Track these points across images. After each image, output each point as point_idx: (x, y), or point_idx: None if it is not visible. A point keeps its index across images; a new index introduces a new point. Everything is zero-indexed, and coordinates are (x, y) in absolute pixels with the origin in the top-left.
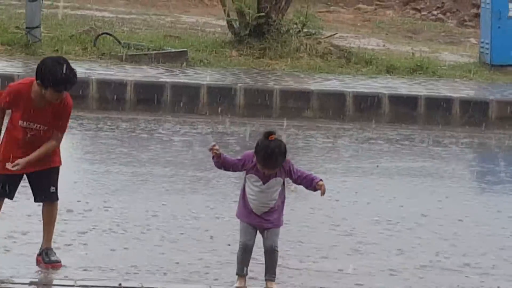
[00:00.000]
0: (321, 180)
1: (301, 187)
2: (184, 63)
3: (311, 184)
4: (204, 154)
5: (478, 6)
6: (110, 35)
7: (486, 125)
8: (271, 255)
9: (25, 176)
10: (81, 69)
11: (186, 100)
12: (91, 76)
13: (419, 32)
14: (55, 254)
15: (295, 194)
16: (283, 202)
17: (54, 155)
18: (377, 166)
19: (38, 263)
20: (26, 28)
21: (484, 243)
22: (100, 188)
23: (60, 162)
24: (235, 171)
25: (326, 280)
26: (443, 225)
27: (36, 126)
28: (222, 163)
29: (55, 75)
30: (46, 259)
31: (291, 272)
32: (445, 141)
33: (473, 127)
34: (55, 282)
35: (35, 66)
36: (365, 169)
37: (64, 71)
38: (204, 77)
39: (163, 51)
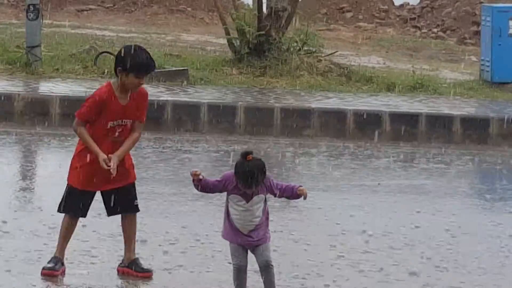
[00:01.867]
0: (300, 186)
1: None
2: (185, 82)
3: (292, 192)
4: (206, 172)
5: (478, 24)
6: (111, 53)
7: (487, 143)
8: (267, 271)
9: None
10: (81, 88)
11: (187, 118)
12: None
13: (420, 50)
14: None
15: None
16: (267, 218)
17: (130, 170)
18: (379, 184)
19: (123, 273)
20: (27, 47)
21: (484, 261)
22: (99, 206)
23: (135, 177)
24: (215, 192)
25: None
26: (445, 241)
27: (123, 122)
28: (202, 187)
29: (136, 59)
30: (138, 268)
31: None
32: (446, 158)
33: (474, 145)
34: None
35: (35, 85)
36: (367, 187)
37: (145, 56)
38: (205, 95)
39: (164, 70)
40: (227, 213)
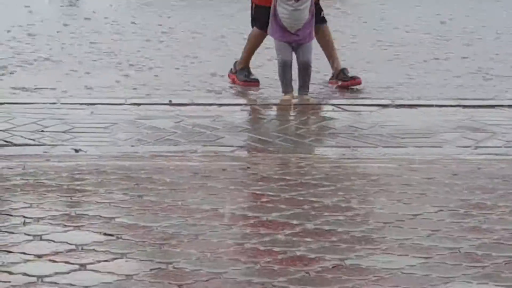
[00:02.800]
0: None
1: None
2: None
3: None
4: None
5: None
6: None
7: None
8: (305, 70)
9: None
10: None
11: None
12: None
13: None
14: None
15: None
16: (312, 17)
17: None
18: None
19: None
20: None
21: None
22: (148, 9)
23: None
24: None
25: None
26: (492, 38)
27: None
28: None
29: None
30: (346, 77)
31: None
32: None
33: None
34: (107, 101)
35: None
36: None
37: None
38: None
39: None
40: (275, 12)
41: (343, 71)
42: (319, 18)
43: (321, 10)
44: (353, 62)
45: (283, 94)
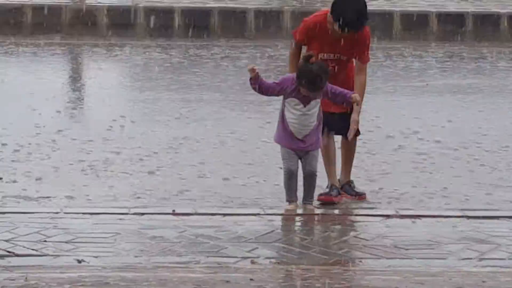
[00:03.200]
0: (354, 93)
1: None
2: None
3: (344, 98)
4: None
5: None
6: None
7: None
8: (310, 179)
9: None
10: None
11: (234, 25)
12: (138, 4)
13: None
14: (355, 187)
15: None
16: (320, 124)
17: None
18: (427, 84)
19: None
20: None
21: None
22: (150, 115)
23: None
24: (271, 95)
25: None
26: (498, 140)
27: (335, 56)
28: (259, 86)
29: (343, 15)
30: (352, 192)
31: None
32: (493, 57)
33: None
34: (110, 210)
35: None
36: (414, 87)
37: (353, 14)
38: (251, 1)
39: None
40: (283, 117)
41: (350, 183)
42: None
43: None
44: (357, 170)
45: (287, 203)
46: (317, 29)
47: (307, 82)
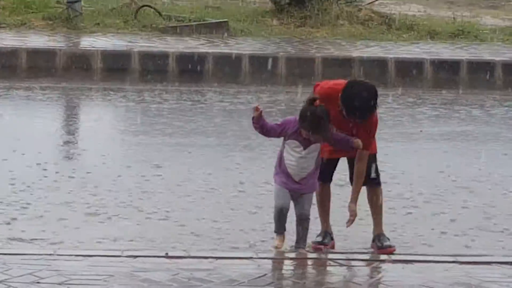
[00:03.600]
0: (356, 138)
1: None
2: (225, 34)
3: (347, 144)
4: (248, 123)
5: None
6: (151, 7)
7: None
8: (302, 223)
9: None
10: (123, 42)
11: (228, 70)
12: (133, 48)
13: None
14: (388, 239)
15: None
16: (317, 168)
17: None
18: (421, 131)
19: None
20: (67, 2)
21: None
22: (144, 160)
23: (375, 149)
24: (271, 135)
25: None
26: (491, 188)
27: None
28: (261, 126)
29: (351, 103)
30: (379, 244)
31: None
32: (488, 104)
33: None
34: (103, 253)
35: (76, 40)
36: (409, 134)
37: (361, 103)
38: (246, 47)
39: (204, 22)
40: (281, 158)
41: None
42: (368, 178)
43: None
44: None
45: (275, 234)
46: (328, 101)
47: (309, 124)
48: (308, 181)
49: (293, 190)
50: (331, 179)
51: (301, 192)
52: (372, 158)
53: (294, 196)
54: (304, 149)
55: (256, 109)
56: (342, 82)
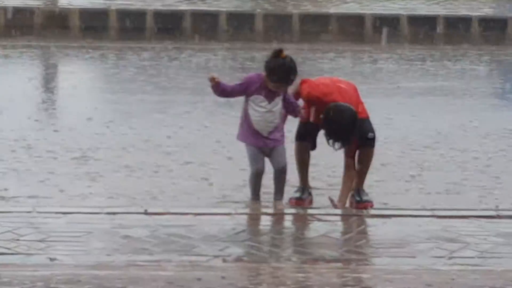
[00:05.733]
0: (303, 108)
1: None
2: None
3: (294, 109)
4: (225, 80)
5: None
6: None
7: (505, 43)
8: (280, 176)
9: None
10: (101, 0)
11: (206, 27)
12: (110, 6)
13: None
14: (366, 194)
15: None
16: (284, 121)
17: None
18: (398, 86)
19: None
20: None
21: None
22: (122, 117)
23: (366, 113)
24: (235, 95)
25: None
26: (467, 142)
27: None
28: (221, 91)
29: (332, 135)
30: (358, 198)
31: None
32: (465, 60)
33: (492, 45)
34: (83, 210)
35: None
36: (386, 90)
37: (342, 133)
38: (223, 4)
39: None
40: (246, 115)
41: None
42: (364, 139)
43: (370, 131)
44: (329, 167)
45: (252, 200)
46: (317, 105)
47: (279, 76)
48: (276, 134)
49: (264, 145)
50: (311, 140)
51: (271, 146)
52: (367, 122)
53: (266, 152)
54: (269, 103)
55: (212, 79)
56: (328, 91)
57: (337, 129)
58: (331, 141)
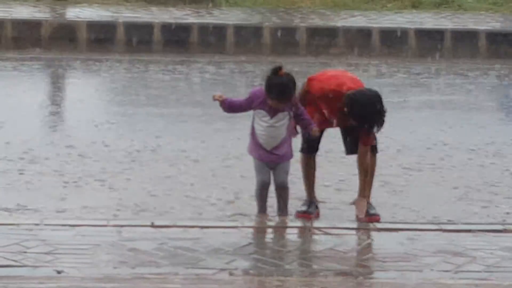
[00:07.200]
0: (315, 126)
1: None
2: (210, 4)
3: (306, 127)
4: (232, 94)
5: None
6: None
7: None
8: (281, 192)
9: None
10: (108, 13)
11: (213, 40)
12: (118, 19)
13: None
14: (373, 208)
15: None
16: (290, 136)
17: None
18: (405, 100)
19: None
20: None
21: None
22: (129, 130)
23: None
24: (243, 110)
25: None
26: (472, 158)
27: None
28: (229, 107)
29: (366, 116)
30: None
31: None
32: (472, 73)
33: (499, 59)
34: (90, 222)
35: (62, 11)
36: (393, 104)
37: (374, 116)
38: (230, 17)
39: None
40: (253, 129)
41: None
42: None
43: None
44: (333, 182)
45: (258, 214)
46: (329, 99)
47: (276, 93)
48: (281, 150)
49: (268, 160)
50: (317, 150)
51: (276, 162)
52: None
53: (271, 166)
54: (271, 118)
55: (217, 98)
56: (341, 81)
57: (372, 110)
58: (367, 126)
